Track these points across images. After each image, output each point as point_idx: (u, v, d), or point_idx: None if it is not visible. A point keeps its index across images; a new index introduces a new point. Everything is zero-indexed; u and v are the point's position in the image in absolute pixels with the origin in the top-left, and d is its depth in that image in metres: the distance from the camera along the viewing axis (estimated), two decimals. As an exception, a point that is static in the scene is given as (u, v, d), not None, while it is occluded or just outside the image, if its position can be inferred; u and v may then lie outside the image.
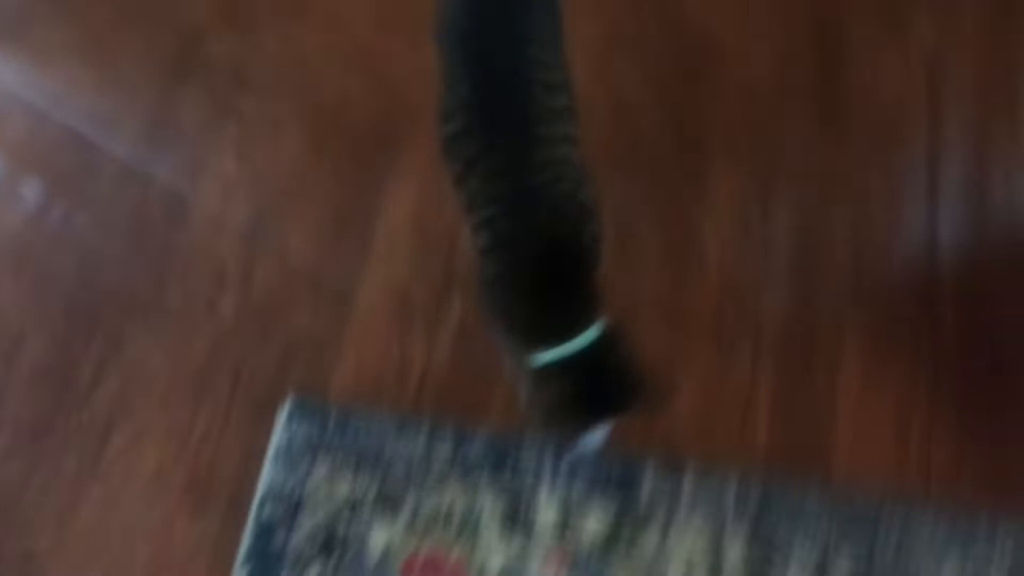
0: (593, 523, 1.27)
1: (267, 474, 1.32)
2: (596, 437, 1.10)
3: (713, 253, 1.44)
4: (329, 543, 1.28)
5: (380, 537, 1.28)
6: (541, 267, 1.02)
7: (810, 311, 1.40)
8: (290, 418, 1.35)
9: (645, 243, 1.45)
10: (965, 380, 1.36)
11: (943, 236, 1.44)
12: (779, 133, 1.50)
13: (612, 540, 1.26)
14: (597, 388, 1.03)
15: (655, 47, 1.57)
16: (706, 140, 1.49)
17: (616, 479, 1.30)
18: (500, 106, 1.03)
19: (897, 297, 1.40)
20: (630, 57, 1.56)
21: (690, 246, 1.44)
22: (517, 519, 1.28)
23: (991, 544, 1.24)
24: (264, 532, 1.29)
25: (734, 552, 1.25)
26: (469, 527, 1.28)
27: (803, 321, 1.40)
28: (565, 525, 1.27)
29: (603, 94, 1.54)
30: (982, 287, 1.40)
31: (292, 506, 1.30)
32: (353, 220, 1.49)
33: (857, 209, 1.46)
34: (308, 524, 1.29)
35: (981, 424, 1.33)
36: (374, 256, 1.46)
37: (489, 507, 1.29)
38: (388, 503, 1.30)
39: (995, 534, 1.25)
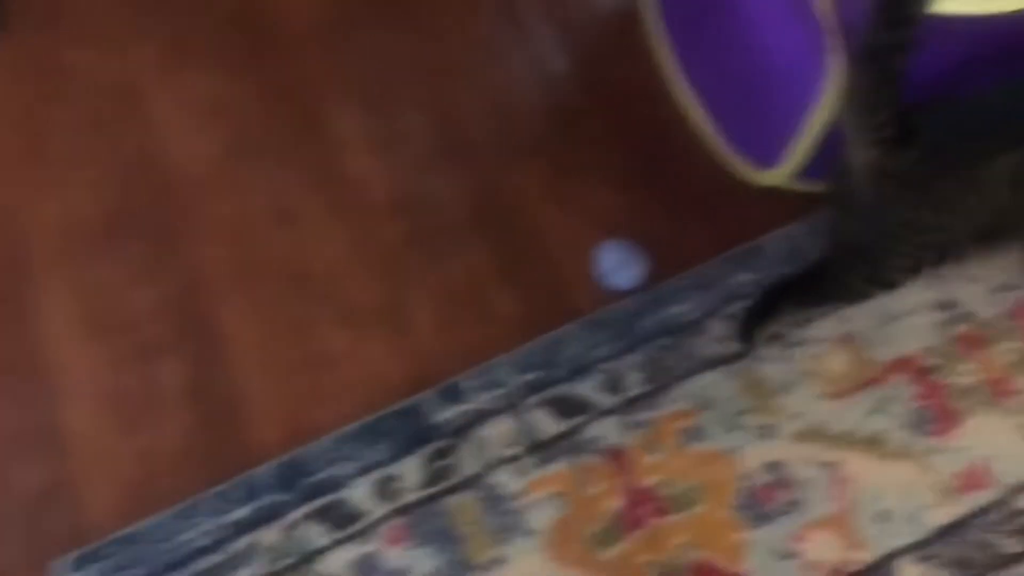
0: (411, 473, 1.23)
1: (76, 641, 1.18)
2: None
3: (375, 186, 1.43)
4: (176, 659, 1.17)
5: (221, 617, 1.18)
6: None
7: (486, 184, 1.43)
8: (68, 577, 1.21)
9: (310, 214, 1.42)
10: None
11: (556, 65, 1.51)
12: (365, 55, 1.52)
13: (437, 478, 1.23)
14: None
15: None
16: (313, 104, 1.49)
17: (408, 431, 1.26)
18: None
19: (546, 133, 1.45)
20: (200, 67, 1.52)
21: (350, 195, 1.43)
22: (341, 513, 1.22)
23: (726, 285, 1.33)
24: None
25: (541, 418, 1.25)
26: (299, 551, 1.20)
27: (485, 196, 1.42)
28: (384, 490, 1.23)
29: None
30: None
31: (119, 651, 1.17)
32: (19, 362, 1.36)
33: (472, 85, 1.50)
34: (144, 657, 1.17)
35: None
36: (61, 380, 1.34)
37: (305, 524, 1.22)
38: (212, 586, 1.20)
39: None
